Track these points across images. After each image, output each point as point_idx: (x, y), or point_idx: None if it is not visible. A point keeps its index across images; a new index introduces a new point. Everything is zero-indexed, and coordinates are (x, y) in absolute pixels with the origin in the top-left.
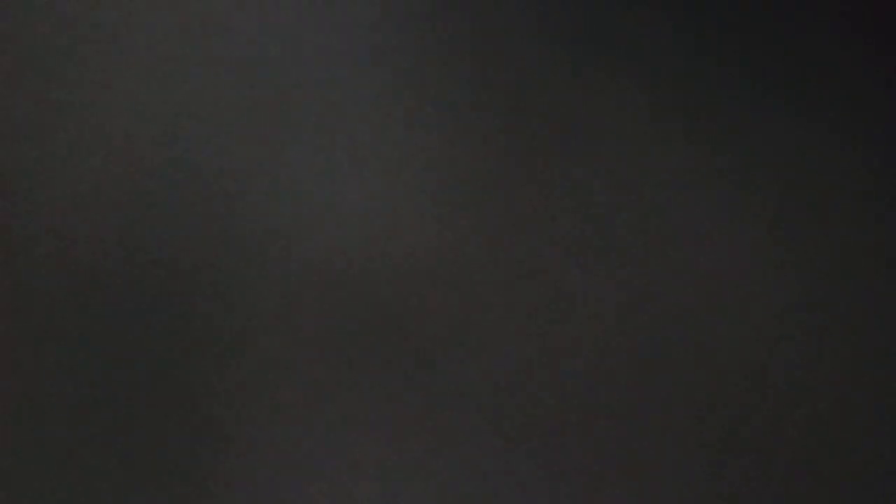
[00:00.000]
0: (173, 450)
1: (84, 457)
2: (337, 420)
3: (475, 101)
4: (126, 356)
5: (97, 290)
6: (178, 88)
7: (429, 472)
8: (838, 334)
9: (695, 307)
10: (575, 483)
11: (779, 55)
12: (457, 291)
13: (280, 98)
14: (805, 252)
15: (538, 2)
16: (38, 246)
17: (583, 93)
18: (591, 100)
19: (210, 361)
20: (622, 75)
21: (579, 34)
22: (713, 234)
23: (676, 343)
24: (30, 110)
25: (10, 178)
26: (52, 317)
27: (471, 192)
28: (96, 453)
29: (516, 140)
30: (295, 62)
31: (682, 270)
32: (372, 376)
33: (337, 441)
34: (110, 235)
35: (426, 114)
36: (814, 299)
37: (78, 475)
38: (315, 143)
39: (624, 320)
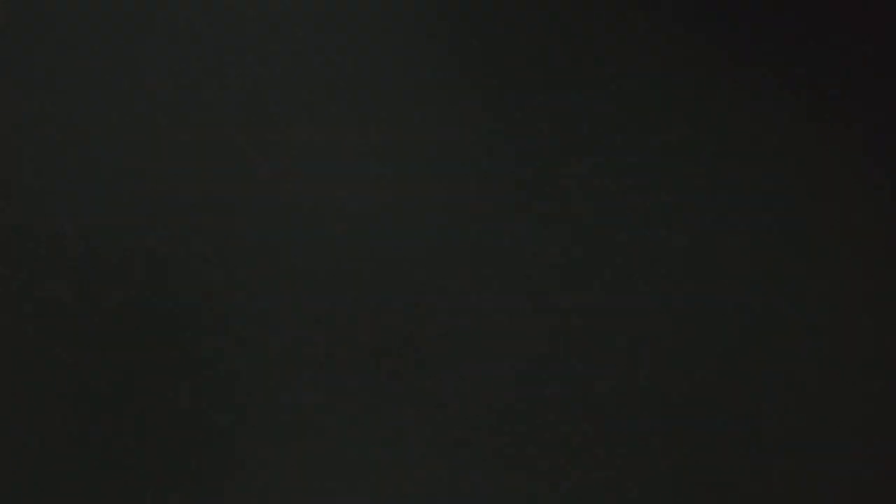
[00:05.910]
0: (173, 451)
1: (84, 457)
2: (337, 420)
3: (475, 102)
4: (126, 358)
5: (97, 292)
6: (178, 89)
7: (428, 473)
8: (838, 333)
9: (695, 307)
10: (574, 482)
11: (780, 56)
12: (458, 292)
13: (280, 98)
14: (805, 254)
15: (539, 2)
16: (38, 247)
17: (583, 93)
18: (591, 100)
19: (209, 362)
20: (622, 75)
21: (578, 34)
22: (712, 233)
23: (676, 343)
24: (30, 113)
25: (11, 178)
26: (51, 318)
27: (472, 193)
28: (95, 454)
29: (516, 140)
30: (295, 61)
31: (681, 271)
32: (372, 377)
33: (337, 441)
34: (111, 236)
35: (426, 114)
36: (813, 299)
37: (78, 475)
38: (315, 143)
39: (623, 321)
